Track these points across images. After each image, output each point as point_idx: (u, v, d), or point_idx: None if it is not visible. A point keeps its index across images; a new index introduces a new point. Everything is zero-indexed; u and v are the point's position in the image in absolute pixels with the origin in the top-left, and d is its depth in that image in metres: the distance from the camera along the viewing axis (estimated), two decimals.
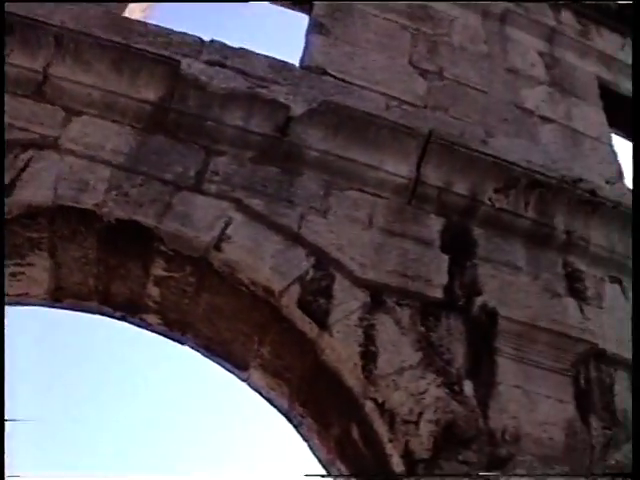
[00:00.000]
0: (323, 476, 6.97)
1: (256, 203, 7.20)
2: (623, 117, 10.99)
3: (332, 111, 7.75)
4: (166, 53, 7.58)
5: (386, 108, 8.34)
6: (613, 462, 7.16)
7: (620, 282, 8.39)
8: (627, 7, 12.18)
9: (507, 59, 10.22)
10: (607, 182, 9.16)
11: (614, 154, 10.00)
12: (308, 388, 7.09)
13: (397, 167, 7.80)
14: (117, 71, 7.39)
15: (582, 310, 7.86)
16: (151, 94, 7.43)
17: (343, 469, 6.95)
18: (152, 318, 7.55)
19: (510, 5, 10.86)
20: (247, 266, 6.88)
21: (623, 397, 7.61)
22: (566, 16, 11.70)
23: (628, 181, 9.71)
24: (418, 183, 7.82)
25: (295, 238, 7.12)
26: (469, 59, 9.81)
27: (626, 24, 12.10)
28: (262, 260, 6.92)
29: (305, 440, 7.43)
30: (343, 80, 8.51)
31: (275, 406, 7.58)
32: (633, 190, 8.61)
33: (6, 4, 7.20)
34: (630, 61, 11.59)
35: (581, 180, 8.52)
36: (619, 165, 9.81)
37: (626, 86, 11.34)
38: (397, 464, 6.40)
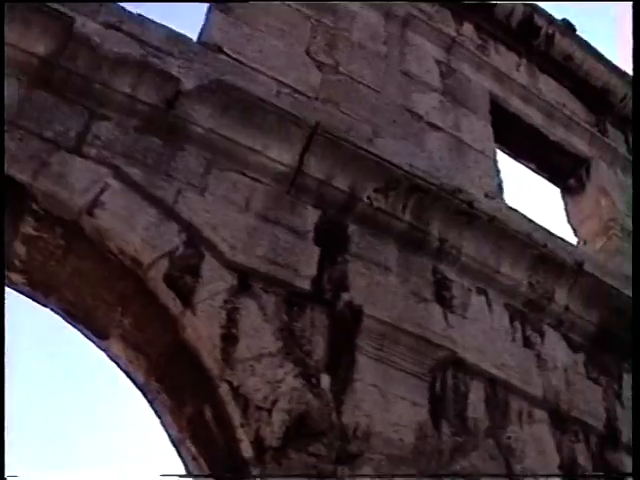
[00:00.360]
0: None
1: (134, 172, 7.09)
2: (510, 134, 11.20)
3: (222, 90, 7.68)
4: (62, 9, 7.39)
5: (277, 94, 8.31)
6: (458, 467, 7.27)
7: (486, 294, 8.54)
8: (525, 25, 12.40)
9: (404, 62, 10.29)
10: (486, 196, 9.30)
11: (496, 169, 10.17)
12: (166, 364, 7.00)
13: (280, 154, 7.78)
14: (10, 20, 7.17)
15: (446, 317, 7.97)
16: (41, 48, 7.22)
17: (193, 449, 6.88)
18: (16, 277, 7.34)
19: (413, 10, 10.94)
20: (117, 235, 6.77)
21: (476, 407, 7.75)
22: (467, 28, 11.85)
23: (507, 197, 9.88)
24: (299, 173, 7.82)
25: (169, 212, 7.04)
26: (366, 57, 9.85)
27: (523, 44, 12.33)
28: (133, 230, 6.82)
29: (158, 416, 7.35)
30: (238, 61, 8.45)
31: (132, 379, 7.48)
32: (633, 190, 8.70)
33: None
34: (524, 82, 11.83)
35: (460, 191, 8.62)
36: (500, 180, 9.97)
37: (516, 105, 11.54)
38: (246, 449, 6.36)
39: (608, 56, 13.58)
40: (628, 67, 12.45)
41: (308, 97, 8.69)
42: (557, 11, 13.20)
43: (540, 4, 12.86)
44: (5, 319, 6.30)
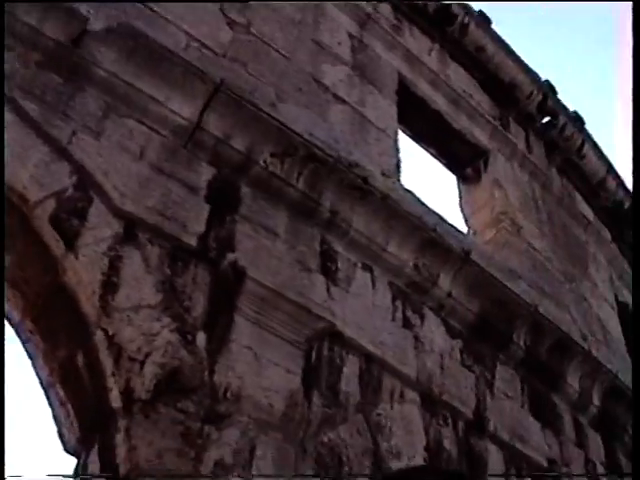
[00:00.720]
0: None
1: (31, 108, 6.92)
2: (413, 117, 11.27)
3: (130, 35, 7.55)
4: None
5: (185, 47, 8.21)
6: (325, 439, 7.32)
7: (371, 271, 8.61)
8: (441, 11, 12.48)
9: (317, 31, 10.28)
10: (383, 174, 9.35)
11: (396, 149, 10.24)
12: (43, 305, 6.88)
13: (181, 108, 7.70)
14: None
15: (329, 289, 8.01)
16: None
17: (62, 394, 6.79)
18: None
19: None
20: (7, 169, 6.61)
21: (349, 381, 7.81)
22: (384, 7, 11.88)
23: (404, 178, 9.95)
24: (198, 129, 7.76)
25: (62, 152, 6.89)
26: (280, 21, 9.80)
27: (437, 30, 12.40)
28: (24, 167, 6.66)
29: (30, 358, 7.24)
30: (151, 9, 8.31)
31: (7, 318, 7.35)
32: (633, 190, 8.74)
33: None
34: (434, 67, 11.90)
35: (357, 165, 8.66)
36: (398, 160, 10.04)
37: (423, 89, 11.62)
38: (115, 399, 6.33)
39: (520, 52, 13.78)
40: (628, 67, 12.63)
41: (216, 54, 8.60)
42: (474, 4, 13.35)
43: None
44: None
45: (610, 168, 15.65)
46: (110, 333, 6.45)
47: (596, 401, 11.02)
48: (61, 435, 6.82)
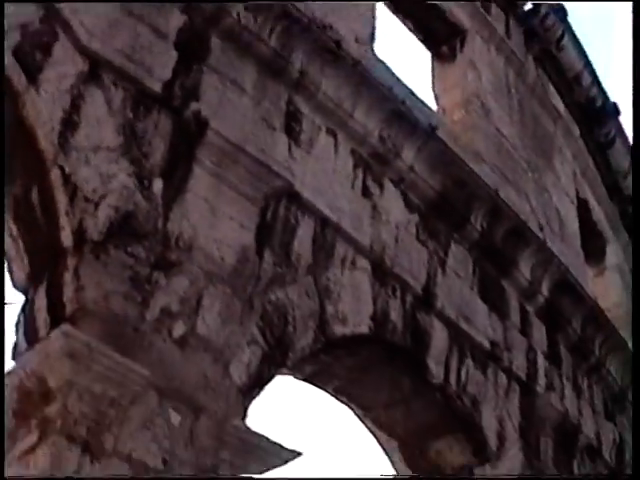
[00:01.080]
0: None
1: None
2: None
3: None
4: None
5: None
6: (273, 298, 7.37)
7: (335, 136, 8.56)
8: None
9: None
10: (356, 40, 9.24)
11: (373, 18, 10.11)
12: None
13: None
14: None
15: (290, 149, 7.98)
16: None
17: (14, 230, 6.74)
18: None
19: None
20: None
21: (302, 242, 7.85)
22: None
23: (378, 47, 9.84)
24: None
25: None
26: None
27: None
28: None
29: None
30: None
31: None
32: (633, 187, 8.64)
33: None
34: None
35: (331, 28, 8.55)
36: (374, 29, 9.92)
37: None
38: (67, 238, 6.34)
39: None
40: (628, 67, 12.56)
41: None
42: None
43: None
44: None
45: (587, 64, 15.54)
46: (67, 172, 6.41)
47: (545, 292, 11.15)
48: (11, 271, 6.80)
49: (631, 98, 13.25)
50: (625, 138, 16.46)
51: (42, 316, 6.33)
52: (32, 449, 5.69)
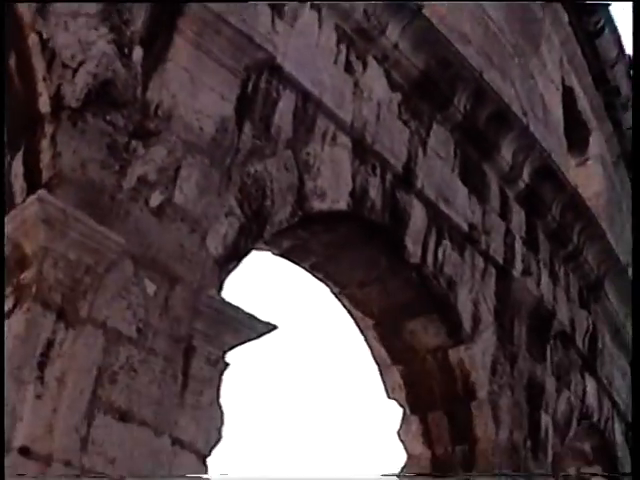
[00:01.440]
0: None
1: None
2: None
3: None
4: None
5: None
6: (252, 170, 7.34)
7: (320, 11, 8.42)
8: None
9: None
10: None
11: None
12: None
13: None
14: None
15: (274, 22, 7.82)
16: None
17: None
18: None
19: None
20: None
21: (283, 116, 7.89)
22: None
23: None
24: None
25: None
26: None
27: None
28: None
29: None
30: None
31: None
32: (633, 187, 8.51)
33: None
34: None
35: None
36: None
37: None
38: (44, 104, 6.28)
39: None
40: None
41: None
42: None
43: None
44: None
45: None
46: (45, 37, 6.31)
47: (525, 177, 11.14)
48: None
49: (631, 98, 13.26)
50: (614, 28, 16.33)
51: (19, 183, 6.30)
52: (7, 315, 5.72)
